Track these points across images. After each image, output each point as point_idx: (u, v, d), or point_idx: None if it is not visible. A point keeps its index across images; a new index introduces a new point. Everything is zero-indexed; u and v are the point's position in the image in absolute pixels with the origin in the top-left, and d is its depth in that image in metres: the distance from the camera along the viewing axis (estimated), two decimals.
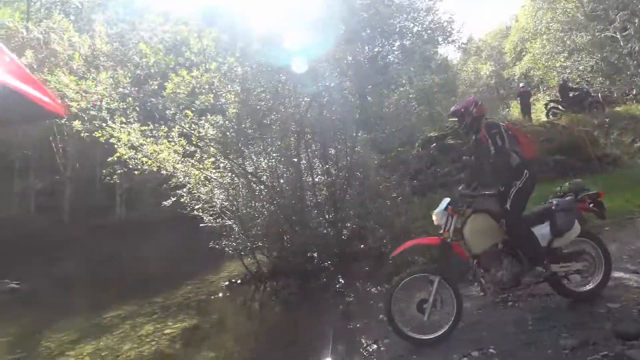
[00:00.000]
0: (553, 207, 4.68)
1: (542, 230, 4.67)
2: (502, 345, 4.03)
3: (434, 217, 4.81)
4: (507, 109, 26.69)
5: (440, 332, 4.45)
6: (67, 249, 14.40)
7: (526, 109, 19.84)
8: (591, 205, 4.79)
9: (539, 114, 20.94)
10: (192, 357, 6.09)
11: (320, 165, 9.14)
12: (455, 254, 4.72)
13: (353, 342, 5.20)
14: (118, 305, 9.09)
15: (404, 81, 12.15)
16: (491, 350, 3.99)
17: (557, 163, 11.68)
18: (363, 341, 5.06)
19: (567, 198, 4.77)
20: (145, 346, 6.63)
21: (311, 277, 7.98)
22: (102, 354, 6.58)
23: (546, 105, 18.93)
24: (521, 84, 22.34)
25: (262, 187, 8.66)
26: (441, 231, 4.66)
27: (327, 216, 8.81)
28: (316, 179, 9.00)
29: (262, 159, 8.80)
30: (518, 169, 4.70)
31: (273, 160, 8.72)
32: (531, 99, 21.63)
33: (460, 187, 4.83)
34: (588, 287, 4.71)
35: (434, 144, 14.24)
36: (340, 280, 7.79)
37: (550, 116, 17.68)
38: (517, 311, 4.83)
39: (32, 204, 17.71)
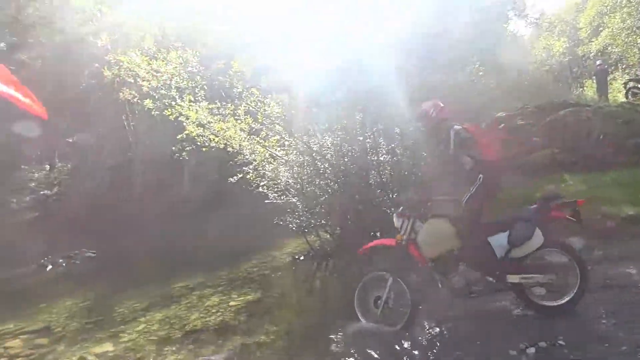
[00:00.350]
0: (512, 217, 4.61)
1: (500, 240, 4.55)
2: (572, 338, 3.85)
3: (394, 219, 5.04)
4: (581, 89, 25.26)
5: (397, 327, 4.68)
6: (137, 223, 15.10)
7: (603, 88, 18.64)
8: (568, 213, 4.51)
9: (617, 94, 19.72)
10: (256, 329, 6.20)
11: (385, 144, 9.00)
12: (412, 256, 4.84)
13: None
14: (185, 276, 9.43)
15: (473, 58, 11.75)
16: (560, 342, 3.81)
17: (637, 146, 10.92)
18: (426, 323, 4.97)
19: (531, 207, 4.63)
20: (212, 317, 6.83)
21: None
22: (171, 322, 6.85)
23: (625, 84, 17.82)
24: (598, 62, 20.95)
25: (326, 165, 8.65)
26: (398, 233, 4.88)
27: (391, 195, 8.69)
28: (381, 158, 8.87)
29: (327, 137, 8.76)
30: (472, 174, 4.59)
31: (338, 138, 8.66)
32: (608, 78, 20.34)
33: (410, 192, 5.13)
34: (557, 302, 4.45)
35: (502, 124, 13.73)
36: None
37: (630, 96, 16.60)
38: (590, 303, 4.56)
39: (105, 180, 18.61)
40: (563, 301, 4.41)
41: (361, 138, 8.60)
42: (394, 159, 8.83)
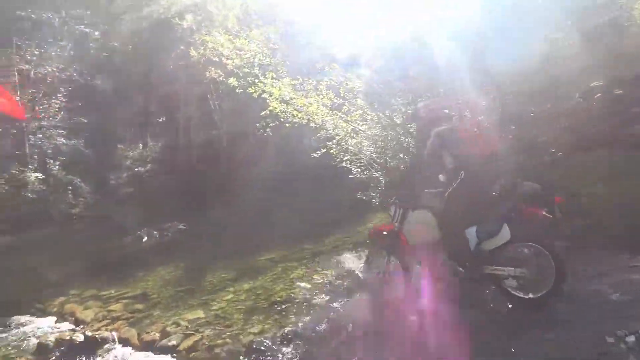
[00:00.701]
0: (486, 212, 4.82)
1: (471, 233, 4.83)
2: None
3: (390, 208, 5.72)
4: None
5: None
6: (224, 197, 15.70)
7: None
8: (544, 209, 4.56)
9: None
10: (336, 304, 6.24)
11: (471, 117, 8.64)
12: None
13: None
14: (271, 249, 9.69)
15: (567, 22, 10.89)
16: None
17: None
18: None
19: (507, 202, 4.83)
20: (296, 289, 6.98)
21: None
22: (257, 292, 7.09)
23: None
24: None
25: (410, 139, 8.46)
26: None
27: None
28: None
29: (410, 111, 8.55)
30: (454, 172, 4.88)
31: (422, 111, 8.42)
32: None
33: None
34: (534, 295, 4.54)
35: (598, 94, 12.72)
36: None
37: None
38: None
39: (193, 156, 19.44)
40: (540, 294, 4.49)
41: (447, 111, 8.29)
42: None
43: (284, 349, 5.07)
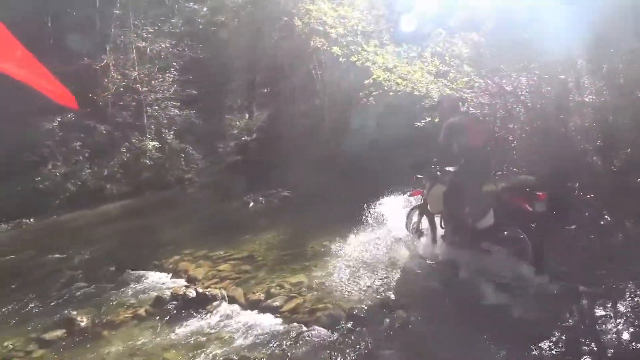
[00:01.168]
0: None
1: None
2: None
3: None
4: None
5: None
6: (327, 165, 15.97)
7: None
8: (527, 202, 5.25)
9: None
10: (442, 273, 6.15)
11: (589, 84, 7.94)
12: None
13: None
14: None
15: None
16: None
17: None
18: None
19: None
20: (402, 259, 6.95)
21: (570, 209, 7.20)
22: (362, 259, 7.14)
23: None
24: None
25: (520, 107, 7.97)
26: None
27: (594, 143, 7.72)
28: (586, 99, 7.86)
29: (522, 77, 8.02)
30: (458, 156, 5.92)
31: (535, 77, 7.86)
32: None
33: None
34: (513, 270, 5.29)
35: None
36: (606, 217, 6.86)
37: None
38: None
39: (297, 125, 19.84)
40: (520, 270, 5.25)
41: (563, 77, 7.69)
42: (600, 100, 7.76)
43: (383, 318, 5.09)
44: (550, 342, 4.15)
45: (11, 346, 5.65)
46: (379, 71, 8.88)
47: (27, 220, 15.63)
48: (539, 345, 4.10)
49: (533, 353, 4.03)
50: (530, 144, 7.90)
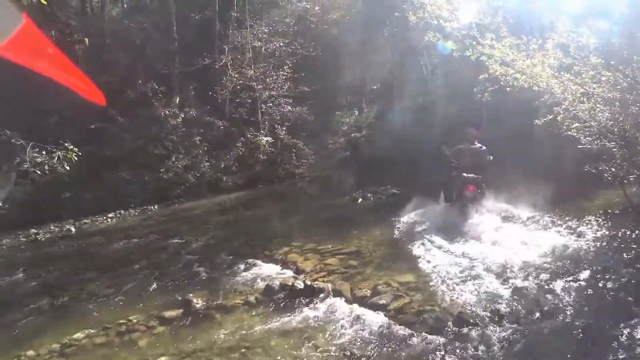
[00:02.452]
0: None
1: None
2: None
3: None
4: None
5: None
6: (436, 163, 15.63)
7: None
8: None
9: None
10: (556, 283, 5.74)
11: None
12: None
13: None
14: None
15: None
16: None
17: None
18: None
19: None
20: (514, 266, 6.59)
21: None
22: (470, 263, 6.88)
23: None
24: None
25: None
26: None
27: None
28: None
29: None
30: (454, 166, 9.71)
31: None
32: None
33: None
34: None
35: None
36: None
37: None
38: None
39: (407, 122, 19.55)
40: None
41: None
42: None
43: (492, 326, 4.86)
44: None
45: (135, 320, 6.17)
46: (496, 65, 8.43)
47: (152, 207, 17.02)
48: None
49: None
50: None
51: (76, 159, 9.69)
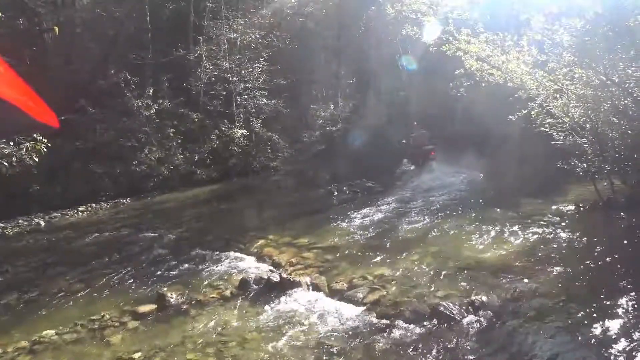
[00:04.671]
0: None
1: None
2: None
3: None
4: None
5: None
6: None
7: None
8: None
9: None
10: (530, 275, 5.83)
11: None
12: None
13: None
14: (460, 213, 9.43)
15: None
16: None
17: None
18: None
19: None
20: (489, 258, 6.70)
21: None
22: (444, 256, 6.97)
23: None
24: None
25: (629, 100, 7.33)
26: None
27: None
28: None
29: (631, 67, 7.34)
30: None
31: None
32: None
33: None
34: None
35: None
36: None
37: None
38: None
39: (382, 116, 19.69)
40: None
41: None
42: None
43: (468, 316, 4.91)
44: None
45: (107, 316, 6.04)
46: (472, 61, 8.51)
47: (124, 201, 16.70)
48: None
49: None
50: (638, 143, 7.28)
51: (45, 150, 9.40)
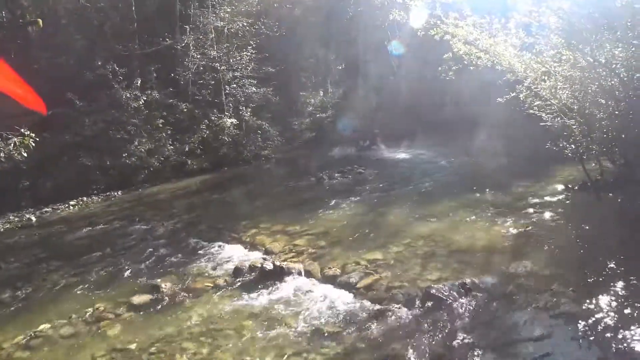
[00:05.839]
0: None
1: None
2: None
3: None
4: None
5: None
6: (402, 142, 16.00)
7: None
8: None
9: None
10: (520, 257, 5.91)
11: None
12: None
13: None
14: (451, 197, 9.48)
15: None
16: None
17: None
18: None
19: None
20: (480, 241, 6.77)
21: None
22: (436, 240, 7.04)
23: None
24: None
25: (615, 81, 7.37)
26: None
27: None
28: None
29: (618, 48, 7.37)
30: None
31: (632, 48, 7.22)
32: None
33: None
34: None
35: None
36: None
37: None
38: None
39: (372, 102, 19.69)
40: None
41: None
42: None
43: (461, 298, 4.98)
44: None
45: (102, 308, 6.08)
46: (459, 44, 8.50)
47: (116, 193, 16.62)
48: None
49: None
50: (625, 123, 7.33)
51: (34, 145, 9.33)
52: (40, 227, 12.51)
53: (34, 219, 13.61)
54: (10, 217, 13.81)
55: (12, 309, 6.70)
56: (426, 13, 9.25)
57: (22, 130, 9.38)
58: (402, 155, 16.15)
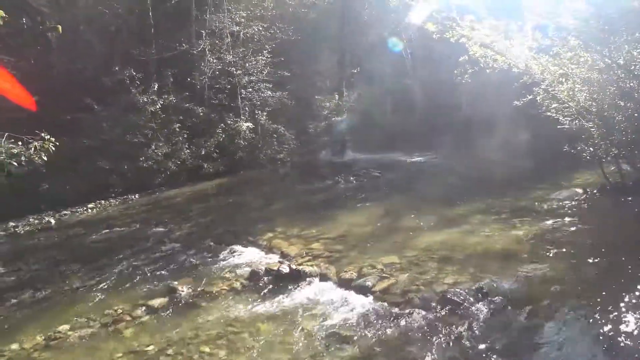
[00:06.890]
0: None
1: None
2: None
3: None
4: None
5: None
6: (418, 145, 15.83)
7: None
8: None
9: None
10: (538, 261, 5.85)
11: None
12: None
13: None
14: (466, 201, 9.42)
15: None
16: None
17: None
18: None
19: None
20: (497, 245, 6.72)
21: None
22: (452, 243, 6.99)
23: None
24: None
25: (635, 83, 7.28)
26: None
27: None
28: None
29: (636, 49, 7.28)
30: None
31: None
32: None
33: None
34: None
35: None
36: None
37: None
38: None
39: (387, 104, 19.65)
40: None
41: None
42: None
43: (478, 303, 4.94)
44: None
45: (120, 310, 6.13)
46: (476, 47, 8.47)
47: (133, 197, 16.77)
48: None
49: None
50: None
51: (53, 149, 9.47)
52: (59, 230, 12.67)
53: (53, 221, 13.80)
54: (30, 220, 14.01)
55: (32, 309, 6.79)
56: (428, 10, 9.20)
57: (43, 134, 9.54)
58: (417, 158, 16.08)
